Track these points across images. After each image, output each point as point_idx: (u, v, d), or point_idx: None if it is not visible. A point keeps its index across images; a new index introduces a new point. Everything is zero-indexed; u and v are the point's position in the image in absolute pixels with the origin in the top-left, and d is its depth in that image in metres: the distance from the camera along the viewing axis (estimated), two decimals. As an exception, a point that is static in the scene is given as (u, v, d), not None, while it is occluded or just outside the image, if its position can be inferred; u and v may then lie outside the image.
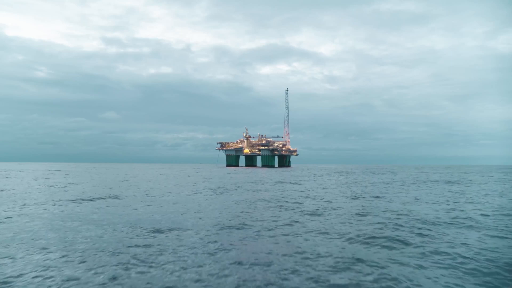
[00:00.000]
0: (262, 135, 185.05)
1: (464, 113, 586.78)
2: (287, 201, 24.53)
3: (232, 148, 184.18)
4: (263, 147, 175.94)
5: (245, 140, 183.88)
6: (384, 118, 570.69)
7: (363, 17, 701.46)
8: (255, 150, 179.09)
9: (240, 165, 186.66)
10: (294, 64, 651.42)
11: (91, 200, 24.61)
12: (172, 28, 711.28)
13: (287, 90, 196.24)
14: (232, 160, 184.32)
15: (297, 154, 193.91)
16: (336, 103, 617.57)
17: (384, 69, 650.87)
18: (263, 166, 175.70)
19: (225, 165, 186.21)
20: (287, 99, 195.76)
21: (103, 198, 25.53)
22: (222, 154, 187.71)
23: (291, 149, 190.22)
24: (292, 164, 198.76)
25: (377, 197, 28.02)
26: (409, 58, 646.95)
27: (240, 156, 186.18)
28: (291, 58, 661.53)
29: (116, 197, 26.48)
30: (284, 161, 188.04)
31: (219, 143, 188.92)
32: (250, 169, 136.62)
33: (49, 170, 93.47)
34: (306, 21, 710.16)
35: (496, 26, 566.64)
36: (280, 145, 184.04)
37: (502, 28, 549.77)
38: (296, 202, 23.99)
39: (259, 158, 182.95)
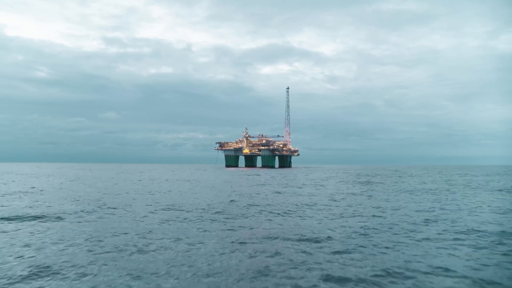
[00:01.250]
0: (262, 135, 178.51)
1: (464, 113, 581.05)
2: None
3: (232, 148, 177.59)
4: (263, 147, 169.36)
5: (245, 140, 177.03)
6: (384, 118, 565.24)
7: (364, 17, 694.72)
8: (255, 150, 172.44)
9: (239, 165, 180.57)
10: (295, 64, 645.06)
11: (19, 220, 17.29)
12: (172, 28, 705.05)
13: (287, 88, 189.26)
14: (232, 161, 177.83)
15: (298, 154, 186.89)
16: (337, 103, 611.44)
17: (385, 69, 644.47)
18: (263, 166, 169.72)
19: (224, 165, 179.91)
20: (287, 98, 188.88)
21: (37, 217, 18.15)
22: (221, 155, 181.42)
23: (292, 149, 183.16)
24: (292, 165, 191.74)
25: (455, 222, 20.65)
26: (410, 58, 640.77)
27: (240, 157, 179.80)
28: (292, 58, 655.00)
29: (58, 217, 19.04)
30: (285, 162, 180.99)
31: (218, 143, 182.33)
32: (250, 170, 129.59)
33: (16, 174, 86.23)
34: (307, 21, 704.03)
35: (498, 26, 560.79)
36: (281, 145, 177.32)
37: (503, 28, 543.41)
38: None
39: (259, 159, 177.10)
